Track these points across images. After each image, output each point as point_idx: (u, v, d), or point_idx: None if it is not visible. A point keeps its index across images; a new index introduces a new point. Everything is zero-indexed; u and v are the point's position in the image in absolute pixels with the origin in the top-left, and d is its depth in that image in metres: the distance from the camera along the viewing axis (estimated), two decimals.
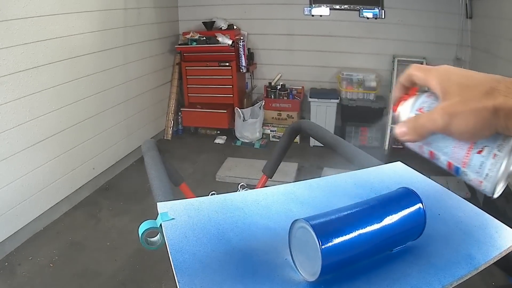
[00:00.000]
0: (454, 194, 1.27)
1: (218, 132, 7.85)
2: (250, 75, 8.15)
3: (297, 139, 6.93)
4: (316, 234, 0.80)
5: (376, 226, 0.88)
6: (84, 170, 5.44)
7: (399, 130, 0.83)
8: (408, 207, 0.94)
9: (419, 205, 0.95)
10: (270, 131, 7.72)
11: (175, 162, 6.51)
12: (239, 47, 7.39)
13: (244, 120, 7.51)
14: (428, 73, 0.81)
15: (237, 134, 7.59)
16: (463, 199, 1.24)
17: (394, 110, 0.89)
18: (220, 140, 7.64)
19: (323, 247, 0.80)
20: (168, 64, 7.72)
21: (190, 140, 7.79)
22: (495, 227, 1.09)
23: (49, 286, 3.91)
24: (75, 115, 5.14)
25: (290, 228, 0.89)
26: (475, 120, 0.71)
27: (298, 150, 6.83)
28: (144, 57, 6.79)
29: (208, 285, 0.83)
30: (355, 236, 0.85)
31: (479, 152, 0.76)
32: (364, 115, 7.18)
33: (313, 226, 0.81)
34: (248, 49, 7.82)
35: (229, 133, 7.74)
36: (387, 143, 7.02)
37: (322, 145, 1.96)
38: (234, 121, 7.61)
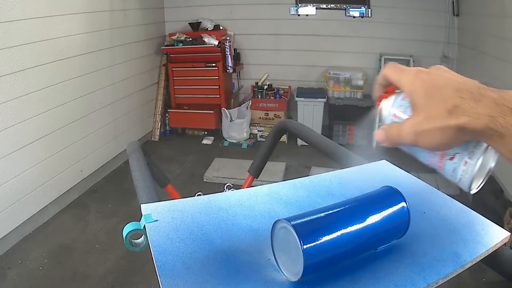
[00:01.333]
0: (441, 192, 1.27)
1: (206, 132, 7.84)
2: (237, 76, 8.15)
3: (285, 138, 6.99)
4: (297, 234, 0.80)
5: (359, 226, 0.88)
6: (72, 172, 5.42)
7: (377, 136, 0.87)
8: (391, 206, 0.94)
9: (403, 203, 0.95)
10: (258, 131, 7.71)
11: (163, 163, 6.51)
12: (225, 47, 7.37)
13: (231, 120, 7.49)
14: (400, 77, 0.81)
15: (225, 135, 7.58)
16: (449, 197, 1.24)
17: (377, 106, 0.90)
18: (207, 141, 7.63)
19: (304, 247, 0.79)
20: (154, 66, 7.70)
21: (177, 141, 7.77)
22: (482, 225, 1.10)
23: None
24: (62, 118, 5.12)
25: (272, 228, 0.88)
26: (440, 137, 0.73)
27: (286, 149, 6.82)
28: (131, 58, 6.77)
29: (191, 286, 0.83)
30: (338, 235, 0.85)
31: (451, 159, 0.78)
32: (351, 114, 7.17)
33: (294, 226, 0.81)
34: (235, 49, 7.82)
35: (217, 133, 7.73)
36: (375, 141, 7.02)
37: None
38: (221, 121, 7.59)
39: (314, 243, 0.81)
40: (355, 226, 0.87)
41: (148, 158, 1.79)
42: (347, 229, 0.86)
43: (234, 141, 7.51)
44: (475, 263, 0.97)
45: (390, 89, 0.87)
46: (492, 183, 4.91)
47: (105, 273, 4.11)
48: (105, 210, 5.24)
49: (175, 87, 7.76)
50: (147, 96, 7.51)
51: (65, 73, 5.11)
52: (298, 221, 0.84)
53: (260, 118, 7.69)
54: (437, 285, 0.89)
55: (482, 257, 0.98)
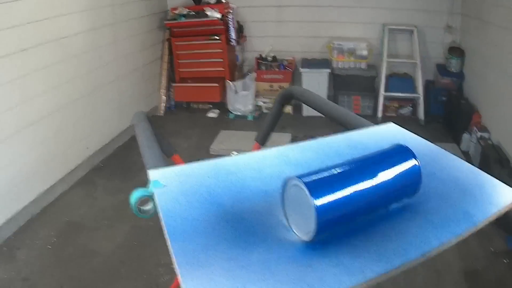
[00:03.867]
0: (450, 153, 1.26)
1: (211, 106, 7.80)
2: (241, 48, 8.10)
3: (290, 109, 6.96)
4: (309, 191, 0.79)
5: (371, 182, 0.87)
6: (78, 150, 5.41)
7: None
8: (402, 163, 0.93)
9: (414, 161, 0.94)
10: (263, 102, 7.65)
11: (169, 137, 6.45)
12: (228, 20, 7.32)
13: (236, 93, 7.46)
14: None
15: (230, 107, 7.55)
16: (459, 158, 1.23)
17: None
18: (213, 114, 7.61)
19: (317, 204, 0.78)
20: (157, 41, 7.67)
21: (183, 115, 7.74)
22: (493, 186, 1.09)
23: (49, 268, 3.90)
24: (66, 95, 5.10)
25: (282, 186, 0.87)
26: None
27: (291, 120, 6.80)
28: (133, 34, 6.73)
29: (201, 249, 0.83)
30: (350, 192, 0.84)
31: None
32: (356, 84, 7.16)
33: (306, 184, 0.80)
34: (238, 22, 7.75)
35: (222, 106, 7.70)
36: (380, 111, 7.01)
37: (315, 113, 1.94)
38: (226, 94, 7.58)
39: (326, 200, 0.80)
40: (367, 182, 0.86)
41: (153, 128, 1.78)
42: (359, 185, 0.85)
43: (239, 114, 7.48)
44: (484, 227, 0.96)
45: None
46: (498, 152, 4.90)
47: (115, 249, 4.12)
48: (112, 186, 5.24)
49: (179, 61, 7.72)
50: (151, 71, 7.48)
51: (68, 51, 5.08)
52: (310, 178, 0.82)
53: (264, 90, 7.63)
54: (450, 244, 0.88)
55: (494, 217, 0.97)
